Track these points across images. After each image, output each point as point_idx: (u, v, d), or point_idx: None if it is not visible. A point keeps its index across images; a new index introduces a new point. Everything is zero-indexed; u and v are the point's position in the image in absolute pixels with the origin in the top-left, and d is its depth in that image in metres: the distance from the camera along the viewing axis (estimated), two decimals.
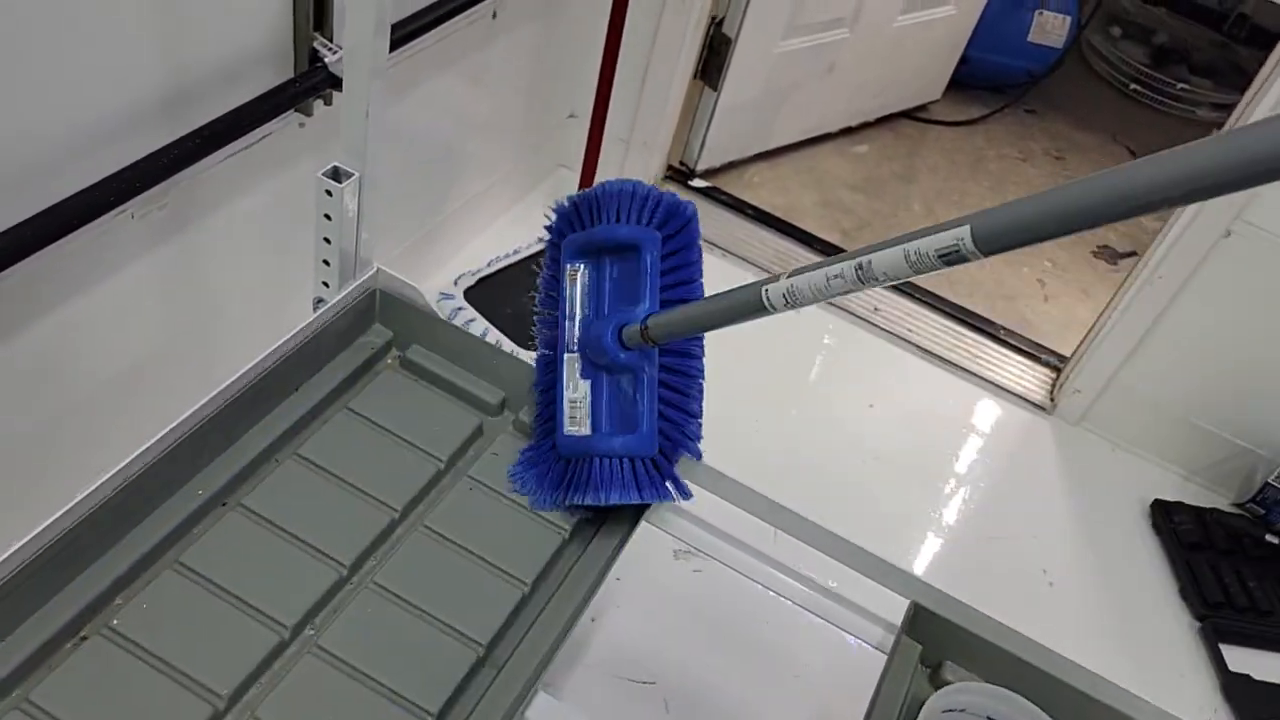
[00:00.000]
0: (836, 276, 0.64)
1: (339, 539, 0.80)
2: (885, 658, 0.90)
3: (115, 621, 0.72)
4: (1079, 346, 1.79)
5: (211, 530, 0.78)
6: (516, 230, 1.79)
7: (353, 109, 0.86)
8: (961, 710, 0.74)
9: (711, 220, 1.95)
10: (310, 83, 1.07)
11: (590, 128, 1.52)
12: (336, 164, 0.84)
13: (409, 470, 0.86)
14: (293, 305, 1.22)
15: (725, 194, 2.01)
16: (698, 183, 2.01)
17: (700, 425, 0.90)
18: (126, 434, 1.04)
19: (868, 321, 1.84)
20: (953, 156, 2.44)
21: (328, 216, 0.86)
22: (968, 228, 0.56)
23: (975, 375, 1.81)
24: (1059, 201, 0.53)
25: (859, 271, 0.63)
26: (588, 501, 0.84)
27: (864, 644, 0.98)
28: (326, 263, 0.89)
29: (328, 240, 0.88)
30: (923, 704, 0.77)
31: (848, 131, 2.36)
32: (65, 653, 0.70)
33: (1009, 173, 2.45)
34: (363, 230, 0.89)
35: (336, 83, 1.09)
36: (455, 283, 1.65)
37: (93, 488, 0.72)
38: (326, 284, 0.91)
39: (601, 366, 0.86)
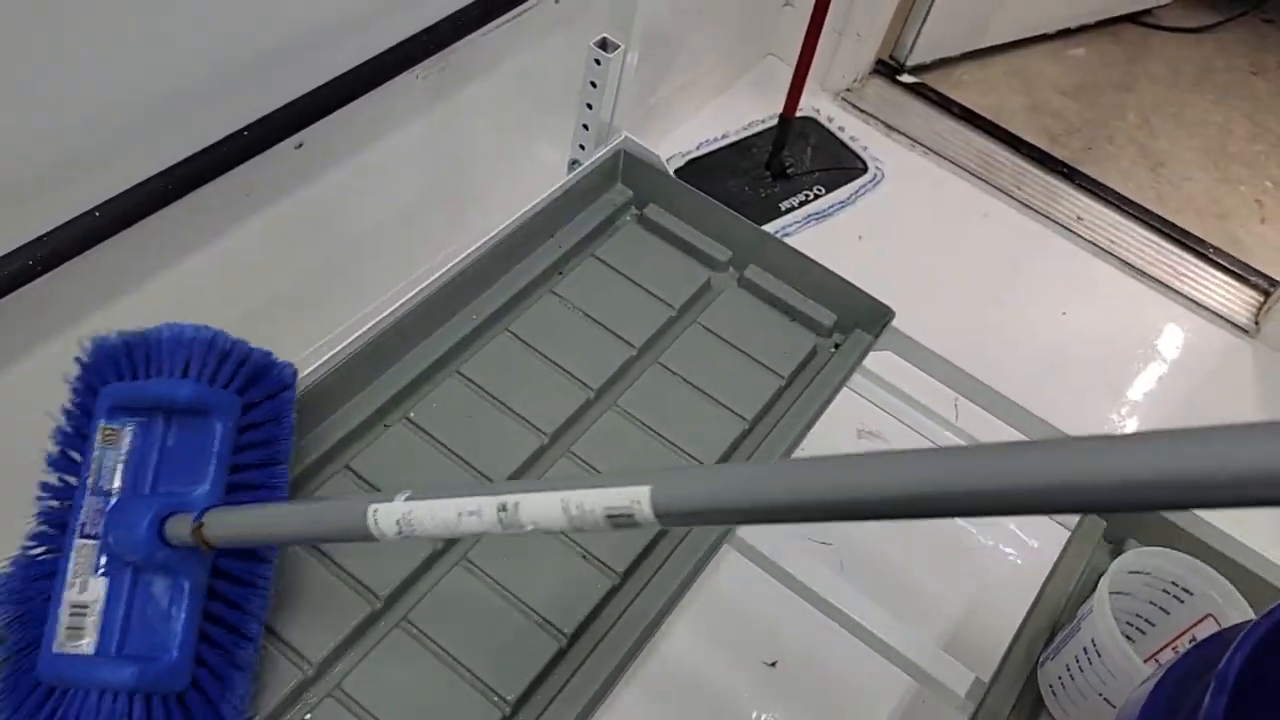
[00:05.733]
0: (472, 513, 0.49)
1: (587, 367, 0.92)
2: (1066, 533, 0.97)
3: (412, 413, 0.86)
4: None
5: (485, 348, 0.92)
6: (725, 116, 1.86)
7: None
8: (1147, 574, 0.80)
9: (917, 118, 1.96)
10: None
11: (812, 14, 1.55)
12: (605, 35, 0.93)
13: (647, 313, 0.97)
14: (530, 163, 1.34)
15: (932, 91, 2.00)
16: (906, 78, 2.01)
17: (256, 650, 0.68)
18: (393, 271, 1.20)
19: (1069, 230, 1.83)
20: (1177, 66, 2.32)
21: (593, 84, 0.95)
22: (648, 489, 0.43)
23: (1176, 292, 1.78)
24: (755, 483, 0.40)
25: (501, 512, 0.48)
26: None
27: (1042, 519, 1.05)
28: (586, 127, 0.99)
29: (590, 106, 0.97)
30: (1101, 575, 0.83)
31: (1065, 34, 2.28)
32: (376, 434, 0.85)
33: (1237, 86, 2.31)
34: (619, 99, 0.99)
35: None
36: (666, 162, 1.73)
37: (396, 305, 0.86)
38: (583, 146, 1.01)
39: (129, 562, 0.63)
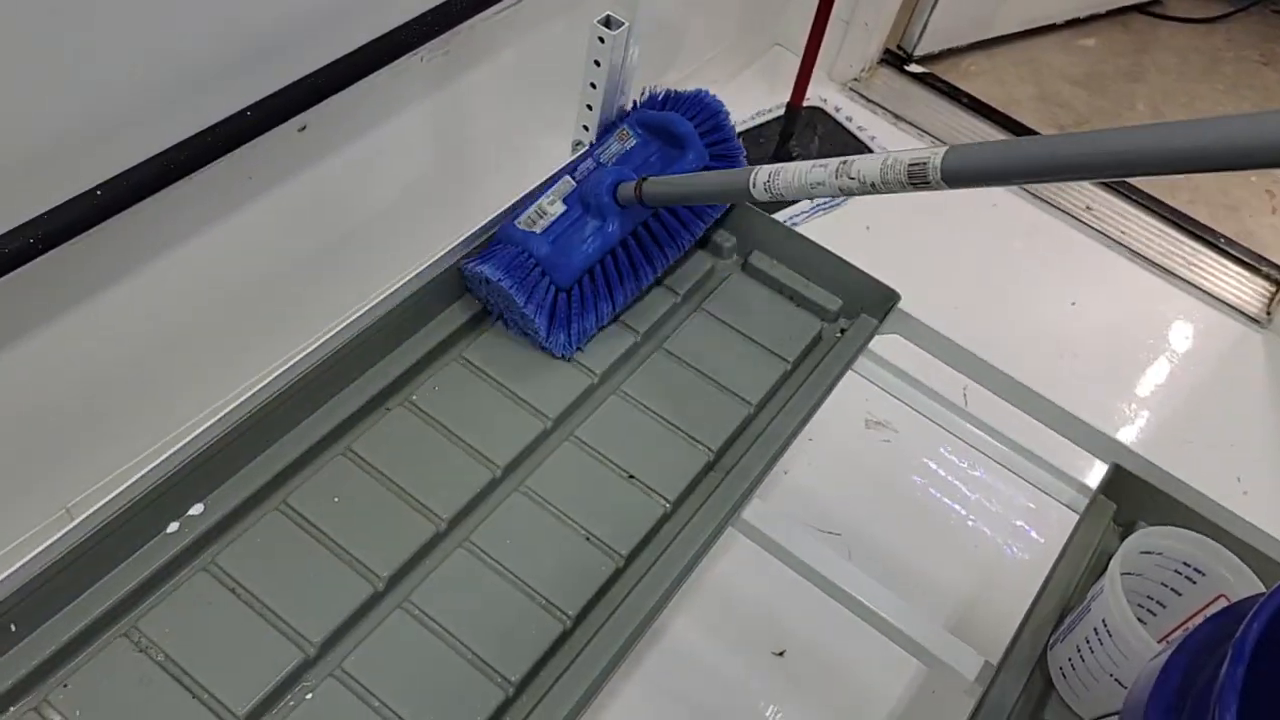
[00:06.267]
0: (819, 166, 0.70)
1: (591, 352, 0.91)
2: (1074, 516, 0.95)
3: (414, 396, 0.86)
4: None
5: (485, 334, 0.91)
6: (731, 105, 1.82)
7: None
8: (1159, 554, 0.79)
9: (925, 108, 1.94)
10: None
11: (819, 4, 1.54)
12: (610, 13, 0.92)
13: (651, 299, 0.96)
14: (535, 147, 1.33)
15: (941, 81, 1.99)
16: (913, 68, 1.99)
17: (602, 321, 0.92)
18: (397, 254, 1.19)
19: (1078, 220, 1.81)
20: (1186, 56, 2.30)
21: (596, 63, 0.94)
22: (942, 152, 0.60)
23: (1187, 283, 1.76)
24: (1035, 152, 0.55)
25: (841, 165, 0.68)
26: (483, 270, 0.86)
27: (1051, 501, 1.03)
28: (589, 107, 0.98)
29: (593, 85, 0.96)
30: (1111, 557, 0.82)
31: (1074, 24, 2.26)
32: (377, 416, 0.84)
33: (1246, 76, 2.29)
34: (624, 80, 0.98)
35: None
36: None
37: (398, 288, 0.86)
38: (586, 127, 1.00)
39: (585, 205, 0.92)
